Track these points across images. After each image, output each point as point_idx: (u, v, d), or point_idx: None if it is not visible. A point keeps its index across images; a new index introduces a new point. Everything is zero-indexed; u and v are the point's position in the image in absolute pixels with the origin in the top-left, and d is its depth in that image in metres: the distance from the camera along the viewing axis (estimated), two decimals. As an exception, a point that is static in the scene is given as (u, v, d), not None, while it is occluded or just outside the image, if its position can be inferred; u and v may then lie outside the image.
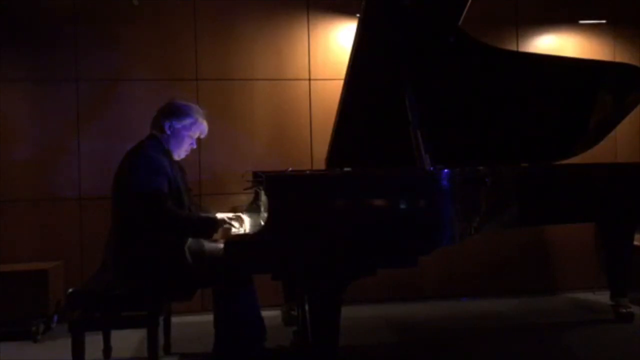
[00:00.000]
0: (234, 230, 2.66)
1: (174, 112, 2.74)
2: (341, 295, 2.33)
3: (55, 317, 3.67)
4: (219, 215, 2.70)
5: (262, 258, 2.30)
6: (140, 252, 2.55)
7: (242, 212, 2.92)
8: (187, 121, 2.74)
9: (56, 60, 3.91)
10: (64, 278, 3.79)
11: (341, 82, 3.03)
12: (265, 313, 2.91)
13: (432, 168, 2.59)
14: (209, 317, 2.80)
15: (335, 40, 4.19)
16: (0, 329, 3.45)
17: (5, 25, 3.85)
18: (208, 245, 2.78)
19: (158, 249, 2.55)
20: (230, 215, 2.74)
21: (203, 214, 2.77)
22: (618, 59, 4.39)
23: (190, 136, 2.77)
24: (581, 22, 4.47)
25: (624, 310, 3.62)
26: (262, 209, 2.90)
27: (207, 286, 2.78)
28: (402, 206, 2.35)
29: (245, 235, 2.51)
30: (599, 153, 3.90)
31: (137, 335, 3.23)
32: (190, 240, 2.68)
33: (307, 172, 3.62)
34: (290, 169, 3.58)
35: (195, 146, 2.84)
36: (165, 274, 2.55)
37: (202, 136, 2.85)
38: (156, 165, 2.58)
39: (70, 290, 2.54)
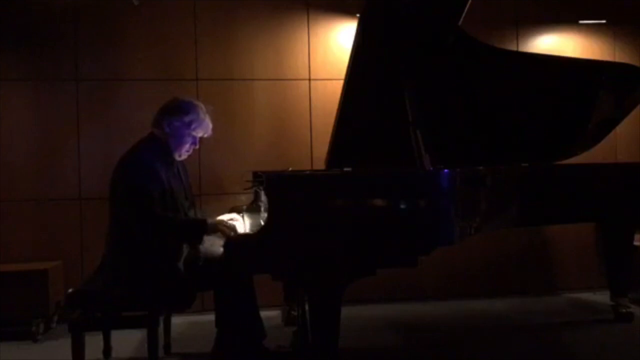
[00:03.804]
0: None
1: (173, 109, 2.66)
2: (341, 296, 2.33)
3: (55, 317, 3.67)
4: (218, 218, 2.63)
5: (262, 258, 2.30)
6: (134, 258, 2.52)
7: (241, 212, 2.90)
8: (187, 119, 2.63)
9: (56, 60, 3.91)
10: (64, 278, 3.79)
11: (341, 82, 3.03)
12: (265, 313, 2.91)
13: (432, 168, 2.59)
14: (209, 317, 2.80)
15: (335, 40, 4.19)
16: (0, 329, 3.44)
17: (5, 25, 3.84)
18: (206, 247, 2.76)
19: (151, 256, 2.51)
20: (226, 218, 2.65)
21: (192, 217, 2.69)
22: (618, 59, 4.39)
23: (191, 135, 2.67)
24: (581, 22, 4.47)
25: (624, 310, 3.61)
26: (262, 209, 2.89)
27: (206, 290, 2.76)
28: (402, 206, 2.35)
29: (245, 235, 2.51)
30: (599, 153, 3.89)
31: (137, 335, 3.23)
32: (186, 250, 2.63)
33: (307, 172, 3.62)
34: (290, 169, 3.58)
35: (197, 146, 2.75)
36: (159, 285, 2.51)
37: (206, 135, 2.75)
38: (146, 167, 2.52)
39: (70, 290, 2.54)
